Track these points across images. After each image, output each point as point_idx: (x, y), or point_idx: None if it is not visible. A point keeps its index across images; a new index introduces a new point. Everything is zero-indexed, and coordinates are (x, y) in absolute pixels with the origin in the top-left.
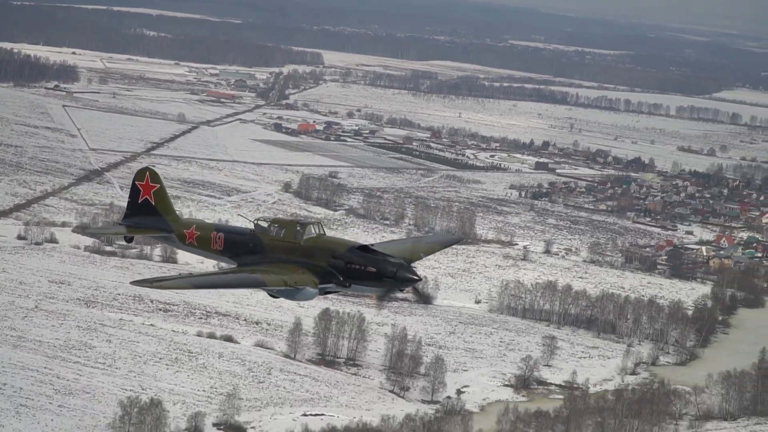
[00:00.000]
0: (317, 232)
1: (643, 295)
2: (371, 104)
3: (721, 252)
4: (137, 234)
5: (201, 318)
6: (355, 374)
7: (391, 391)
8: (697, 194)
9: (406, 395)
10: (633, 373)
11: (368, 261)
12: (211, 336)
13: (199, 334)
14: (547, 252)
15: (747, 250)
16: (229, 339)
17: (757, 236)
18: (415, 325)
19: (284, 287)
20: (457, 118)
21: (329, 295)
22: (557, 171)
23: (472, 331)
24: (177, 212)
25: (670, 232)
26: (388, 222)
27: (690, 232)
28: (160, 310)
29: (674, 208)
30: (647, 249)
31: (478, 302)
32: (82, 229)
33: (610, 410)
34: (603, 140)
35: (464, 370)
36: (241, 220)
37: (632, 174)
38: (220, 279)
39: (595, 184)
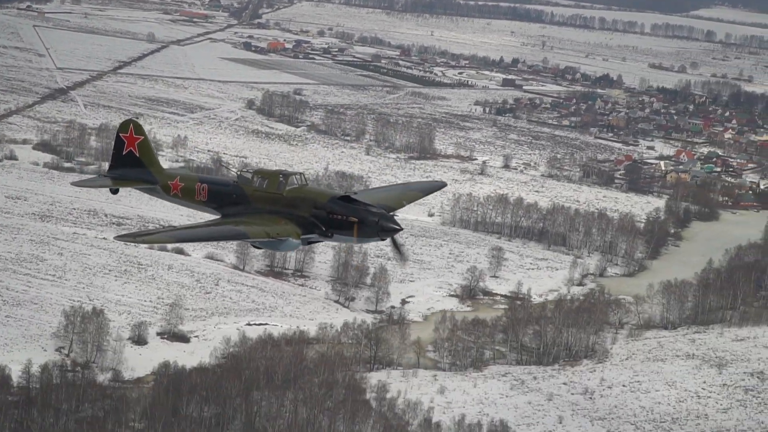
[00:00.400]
0: (300, 182)
1: (597, 209)
2: (343, 23)
3: (680, 167)
4: (123, 186)
5: None
6: (302, 285)
7: (336, 302)
8: (662, 110)
9: (350, 305)
10: (580, 284)
11: (350, 211)
12: (163, 249)
13: (151, 247)
14: (506, 167)
15: (706, 165)
16: (180, 251)
17: (717, 151)
18: None
19: (267, 239)
20: (429, 37)
21: (312, 245)
22: (524, 88)
23: (422, 243)
24: (160, 163)
25: (630, 148)
26: (348, 138)
27: (651, 148)
28: (114, 224)
29: (638, 123)
30: (606, 164)
31: (431, 215)
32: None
33: (548, 319)
34: (574, 58)
35: (411, 281)
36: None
37: (599, 90)
38: (203, 232)
39: (561, 101)
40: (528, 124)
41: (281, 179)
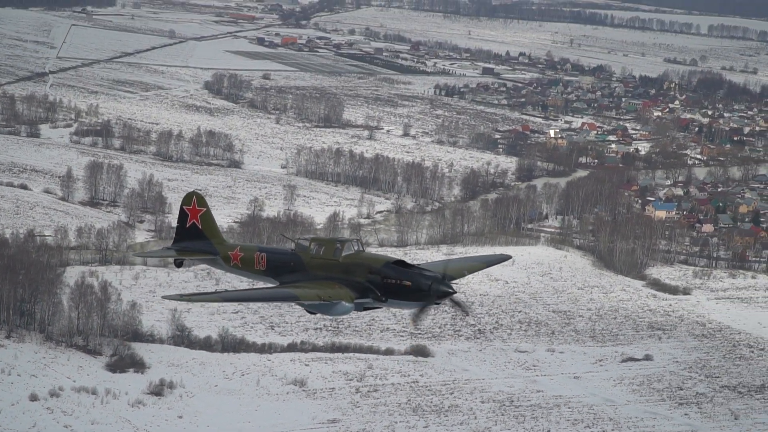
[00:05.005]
0: (356, 248)
1: (454, 168)
2: (390, 24)
3: (573, 136)
4: (186, 257)
5: (15, 174)
6: (108, 211)
7: (126, 223)
8: (626, 95)
9: (137, 226)
10: (367, 217)
11: (403, 275)
12: (9, 184)
13: (9, 184)
14: (405, 134)
15: (601, 134)
16: (24, 187)
17: (629, 126)
18: (200, 181)
19: (318, 302)
20: (463, 36)
21: (367, 311)
22: (501, 75)
23: (251, 186)
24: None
25: (550, 122)
26: (276, 111)
27: (569, 122)
28: None
29: (572, 103)
30: (505, 133)
31: (283, 167)
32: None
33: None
34: (596, 54)
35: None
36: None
37: (569, 78)
38: (254, 293)
39: (520, 85)
40: (468, 104)
41: (338, 246)
